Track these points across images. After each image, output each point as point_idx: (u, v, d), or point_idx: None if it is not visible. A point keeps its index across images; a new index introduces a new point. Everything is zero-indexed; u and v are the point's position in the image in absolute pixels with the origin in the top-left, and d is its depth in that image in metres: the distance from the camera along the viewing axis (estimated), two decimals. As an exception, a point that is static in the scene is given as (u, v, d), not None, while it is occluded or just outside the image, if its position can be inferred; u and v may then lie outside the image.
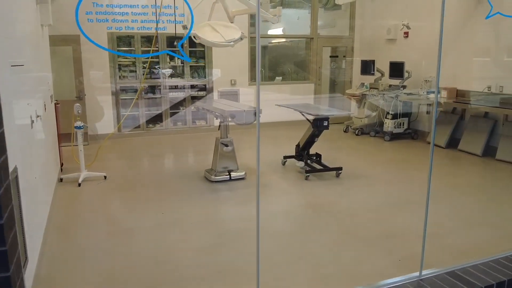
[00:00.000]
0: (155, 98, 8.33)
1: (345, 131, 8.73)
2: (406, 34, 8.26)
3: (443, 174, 5.88)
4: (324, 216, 4.38)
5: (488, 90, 6.79)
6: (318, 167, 5.69)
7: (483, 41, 6.90)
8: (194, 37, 4.69)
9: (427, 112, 7.90)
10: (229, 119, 4.74)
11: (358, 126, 8.43)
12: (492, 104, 6.55)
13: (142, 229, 3.96)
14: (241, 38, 5.17)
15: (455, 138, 7.20)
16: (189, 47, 8.32)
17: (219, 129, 5.27)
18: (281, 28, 12.88)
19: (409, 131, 7.97)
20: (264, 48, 13.26)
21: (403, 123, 7.92)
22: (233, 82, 8.69)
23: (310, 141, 5.73)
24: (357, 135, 8.34)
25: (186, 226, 4.04)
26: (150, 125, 8.40)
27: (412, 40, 8.23)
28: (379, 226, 4.00)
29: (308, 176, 5.39)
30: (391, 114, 7.81)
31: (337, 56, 10.13)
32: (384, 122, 7.95)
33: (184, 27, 4.68)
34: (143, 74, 8.04)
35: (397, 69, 7.87)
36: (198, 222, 4.13)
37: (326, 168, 5.54)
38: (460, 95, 7.26)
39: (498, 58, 6.73)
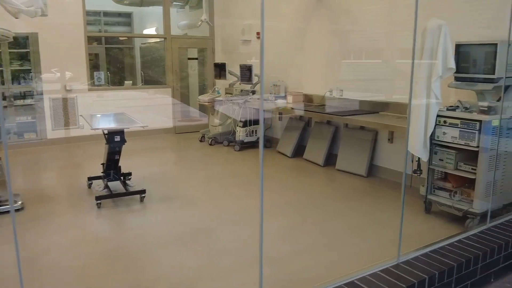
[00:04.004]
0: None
1: (201, 141, 7.97)
2: (258, 35, 7.70)
3: (273, 190, 5.27)
4: (83, 261, 3.49)
5: (330, 94, 6.40)
6: (124, 190, 4.81)
7: (326, 42, 6.47)
8: None
9: (279, 119, 7.40)
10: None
11: (212, 135, 7.72)
12: (333, 109, 6.12)
13: None
14: (6, 37, 4.13)
15: (302, 146, 6.73)
16: (8, 49, 7.04)
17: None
18: (155, 28, 11.89)
19: (261, 139, 7.40)
20: (140, 49, 12.19)
21: (255, 130, 7.34)
22: (68, 88, 7.54)
23: (111, 159, 4.83)
24: (210, 144, 7.62)
25: None
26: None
27: (265, 41, 7.66)
28: (139, 272, 3.20)
29: (99, 203, 4.47)
30: (241, 121, 7.19)
31: (196, 59, 9.36)
32: (236, 130, 7.32)
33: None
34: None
35: (246, 73, 7.26)
36: None
37: (125, 193, 4.67)
38: (307, 100, 6.81)
39: (337, 60, 6.35)
